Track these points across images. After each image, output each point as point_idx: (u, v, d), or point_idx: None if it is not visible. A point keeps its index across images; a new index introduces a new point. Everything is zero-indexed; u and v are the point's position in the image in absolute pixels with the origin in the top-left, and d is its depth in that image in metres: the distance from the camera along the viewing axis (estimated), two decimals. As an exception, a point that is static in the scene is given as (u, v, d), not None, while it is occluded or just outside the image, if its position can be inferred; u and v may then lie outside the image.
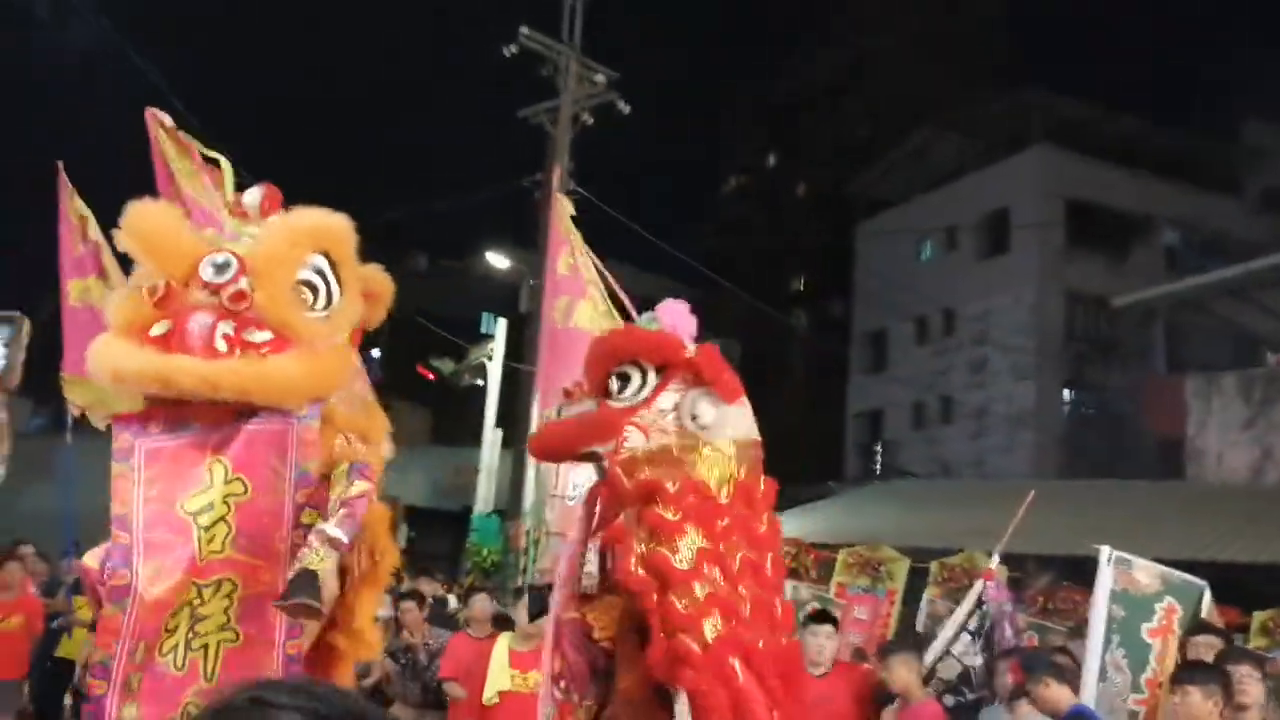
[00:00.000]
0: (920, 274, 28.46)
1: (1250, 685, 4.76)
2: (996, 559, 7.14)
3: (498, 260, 22.62)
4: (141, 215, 3.55)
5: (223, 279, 3.38)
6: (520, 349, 16.74)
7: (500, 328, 18.48)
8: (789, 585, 9.95)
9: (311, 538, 3.33)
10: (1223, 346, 23.72)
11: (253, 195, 3.66)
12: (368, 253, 3.72)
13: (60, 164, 8.54)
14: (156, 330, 3.32)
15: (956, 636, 6.54)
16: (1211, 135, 28.59)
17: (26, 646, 8.55)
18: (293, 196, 3.74)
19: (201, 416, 3.36)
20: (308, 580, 3.29)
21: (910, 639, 8.07)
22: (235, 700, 0.97)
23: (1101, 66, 29.02)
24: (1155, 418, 21.54)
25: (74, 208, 8.12)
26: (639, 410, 3.86)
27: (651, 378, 3.93)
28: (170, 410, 3.37)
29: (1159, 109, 27.16)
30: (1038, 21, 26.08)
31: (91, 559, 3.46)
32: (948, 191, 28.84)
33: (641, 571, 3.76)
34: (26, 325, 3.59)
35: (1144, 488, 17.85)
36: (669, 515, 3.69)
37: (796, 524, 15.59)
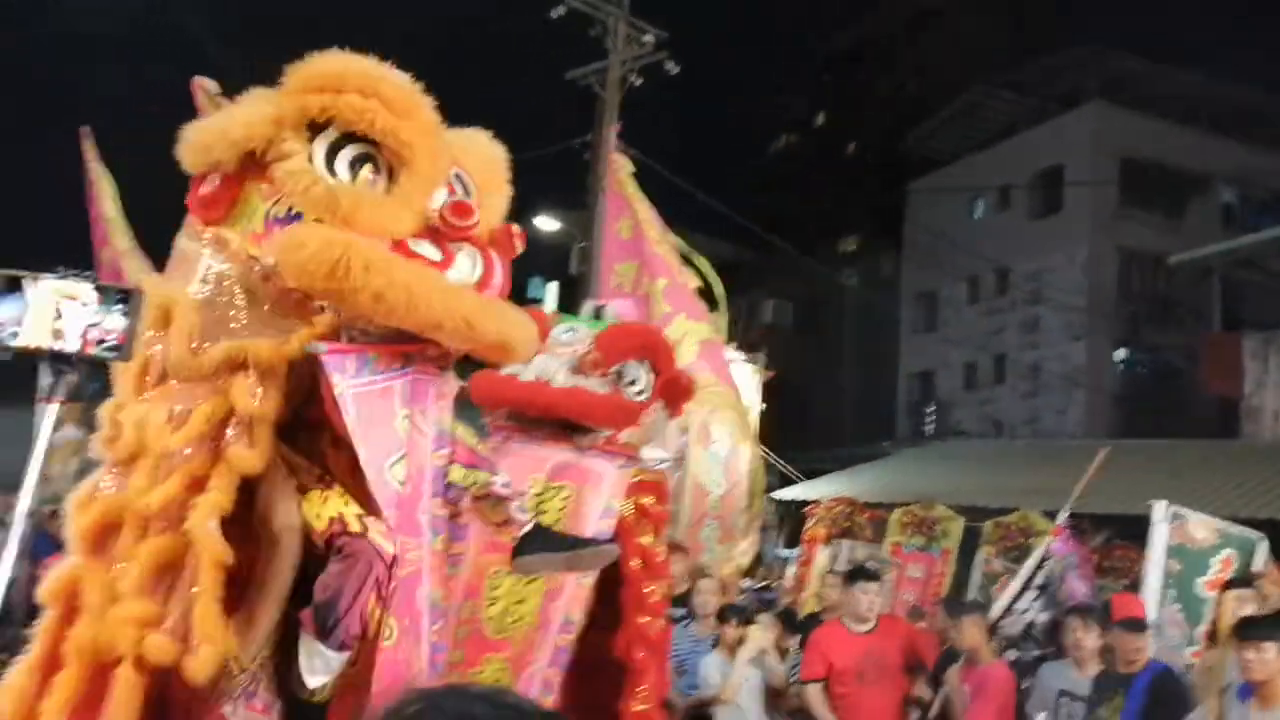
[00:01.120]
0: (973, 233, 28.17)
1: None
2: (1065, 515, 7.16)
3: (546, 223, 22.68)
4: (392, 80, 2.65)
5: (474, 203, 2.77)
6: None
7: (550, 291, 18.57)
8: (845, 544, 10.06)
9: (505, 493, 3.01)
10: (1278, 304, 23.34)
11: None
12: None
13: (85, 129, 8.58)
14: (431, 254, 2.64)
15: (1022, 592, 6.57)
16: (1269, 90, 27.97)
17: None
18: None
19: (388, 358, 2.65)
20: (547, 533, 3.16)
21: (963, 598, 8.12)
22: (419, 706, 0.89)
23: (1157, 21, 28.38)
24: (1211, 376, 21.25)
25: (99, 174, 8.14)
26: (647, 408, 4.01)
27: (651, 380, 4.00)
28: (364, 346, 2.64)
29: (1215, 64, 26.56)
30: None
31: (382, 536, 2.63)
32: (1000, 149, 28.49)
33: (638, 563, 3.95)
34: (144, 298, 3.22)
35: (1199, 447, 17.67)
36: (665, 510, 3.90)
37: (850, 484, 15.63)
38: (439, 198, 2.68)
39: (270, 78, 2.72)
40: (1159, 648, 5.66)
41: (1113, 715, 5.17)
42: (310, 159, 2.57)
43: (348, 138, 2.58)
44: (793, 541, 12.44)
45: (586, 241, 16.04)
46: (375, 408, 2.60)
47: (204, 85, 3.16)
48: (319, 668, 2.61)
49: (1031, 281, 26.90)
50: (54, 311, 2.87)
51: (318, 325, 2.60)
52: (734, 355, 8.60)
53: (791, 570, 10.65)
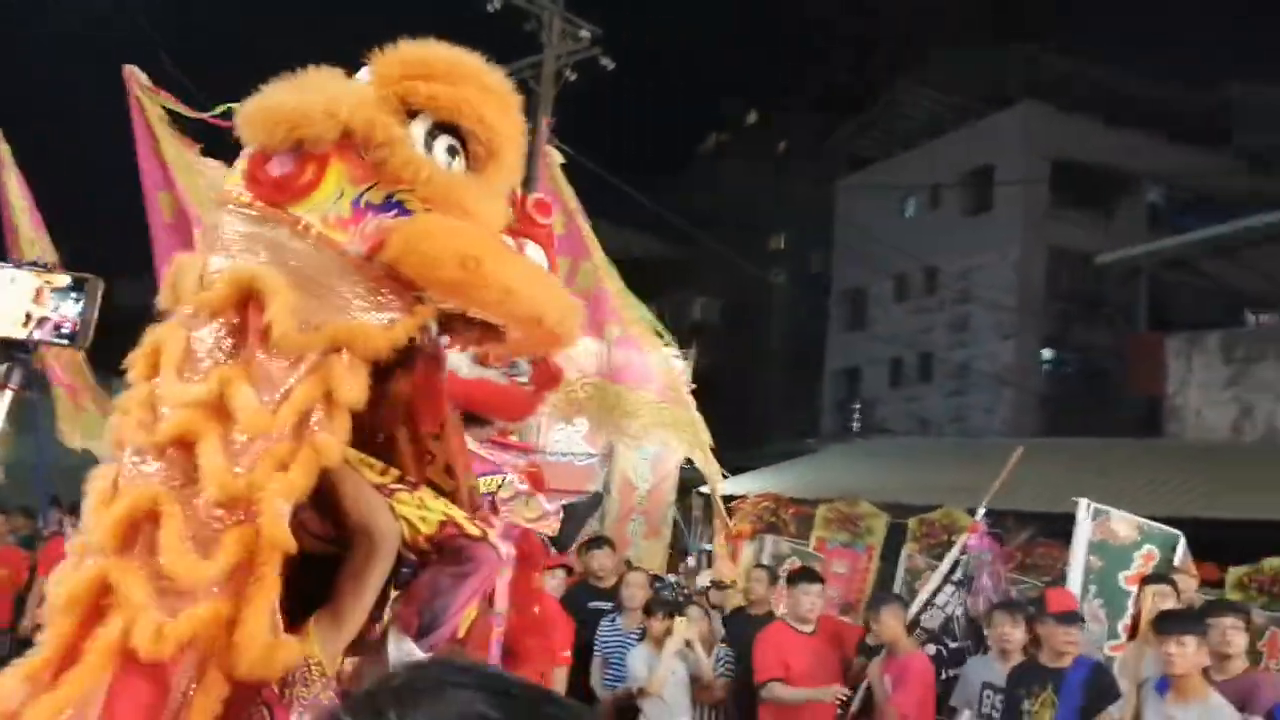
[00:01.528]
0: (902, 231, 28.42)
1: (1235, 636, 4.86)
2: (982, 512, 7.25)
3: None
4: (492, 73, 2.64)
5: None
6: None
7: (481, 284, 18.37)
8: (769, 539, 10.07)
9: (529, 489, 3.22)
10: (1207, 305, 23.84)
11: None
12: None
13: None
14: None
15: (940, 587, 6.67)
16: (1196, 92, 28.57)
17: (10, 597, 8.76)
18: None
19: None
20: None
21: (890, 593, 8.18)
22: (409, 678, 0.88)
23: (1087, 21, 28.89)
24: (1136, 376, 21.67)
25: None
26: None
27: (530, 371, 3.73)
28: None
29: (1144, 65, 27.14)
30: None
31: (498, 539, 2.81)
32: (931, 148, 28.73)
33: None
34: (100, 286, 3.00)
35: (1124, 446, 17.95)
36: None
37: (775, 480, 15.65)
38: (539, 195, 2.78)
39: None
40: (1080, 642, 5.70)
41: (1042, 708, 5.19)
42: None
43: (440, 127, 2.48)
44: (718, 537, 12.45)
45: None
46: None
47: (136, 75, 2.96)
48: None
49: (960, 280, 27.18)
50: (32, 295, 2.69)
51: (418, 315, 2.45)
52: (666, 351, 8.51)
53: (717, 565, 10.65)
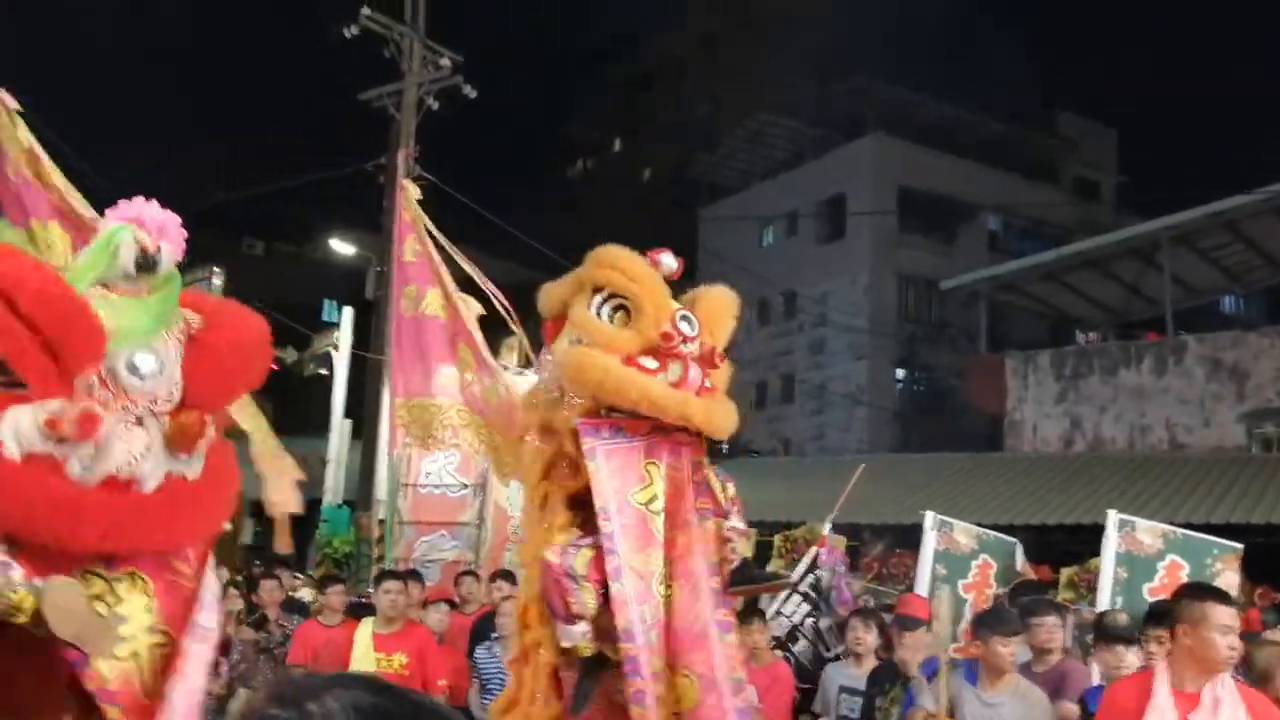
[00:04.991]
0: (763, 258, 29.21)
1: (1055, 634, 5.31)
2: (828, 527, 7.61)
3: (342, 246, 22.29)
4: (635, 261, 4.20)
5: (693, 333, 4.18)
6: (368, 337, 16.60)
7: (346, 316, 18.20)
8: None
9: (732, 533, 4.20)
10: (1039, 326, 25.22)
11: (670, 261, 4.35)
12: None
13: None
14: (650, 365, 4.07)
15: (788, 598, 6.95)
16: (1031, 126, 30.11)
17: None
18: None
19: (634, 428, 4.12)
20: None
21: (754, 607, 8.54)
22: (309, 680, 1.12)
23: (932, 56, 30.16)
24: (978, 394, 22.74)
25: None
26: None
27: None
28: (617, 420, 4.12)
29: (984, 99, 28.46)
30: (870, 8, 26.98)
31: (552, 554, 3.98)
32: (788, 177, 29.68)
33: None
34: None
35: (967, 459, 18.87)
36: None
37: (645, 502, 15.94)
38: (665, 328, 4.09)
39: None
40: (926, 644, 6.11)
41: (891, 705, 5.56)
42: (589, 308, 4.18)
43: (611, 295, 4.18)
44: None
45: (384, 266, 15.91)
46: (625, 458, 4.09)
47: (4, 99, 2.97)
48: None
49: (817, 305, 28.08)
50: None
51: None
52: (527, 375, 8.71)
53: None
